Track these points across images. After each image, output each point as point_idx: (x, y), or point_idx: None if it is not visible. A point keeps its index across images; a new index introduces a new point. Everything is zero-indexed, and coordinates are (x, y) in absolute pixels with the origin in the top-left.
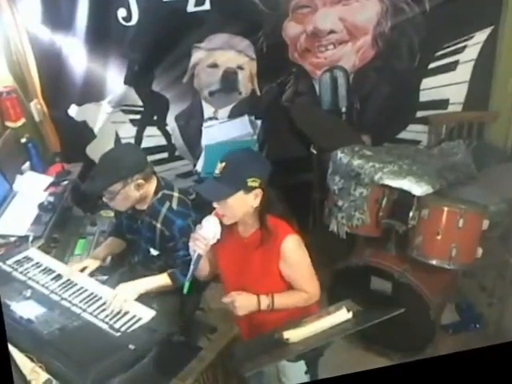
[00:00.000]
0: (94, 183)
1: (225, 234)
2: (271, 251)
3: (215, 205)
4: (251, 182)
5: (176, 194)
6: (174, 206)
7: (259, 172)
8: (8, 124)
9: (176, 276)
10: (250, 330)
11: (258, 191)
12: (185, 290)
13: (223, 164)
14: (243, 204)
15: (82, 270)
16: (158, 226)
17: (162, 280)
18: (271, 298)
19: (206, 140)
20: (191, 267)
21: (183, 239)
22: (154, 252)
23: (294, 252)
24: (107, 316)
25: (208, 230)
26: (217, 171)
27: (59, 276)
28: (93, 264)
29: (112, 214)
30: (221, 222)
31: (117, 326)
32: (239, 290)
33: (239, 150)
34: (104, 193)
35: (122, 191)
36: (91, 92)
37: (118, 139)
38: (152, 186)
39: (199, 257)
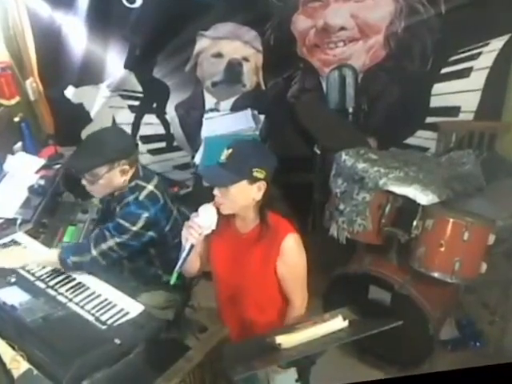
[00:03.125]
0: (79, 162)
1: (221, 229)
2: (271, 248)
3: (216, 192)
4: (256, 173)
5: (150, 187)
6: (141, 197)
7: (265, 164)
8: (1, 101)
9: (64, 253)
10: (239, 332)
11: (262, 184)
12: (172, 281)
13: (230, 151)
14: (245, 194)
15: None
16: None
17: (51, 256)
18: None
19: (206, 132)
20: (182, 257)
21: (121, 221)
22: None
23: (293, 251)
24: (94, 307)
25: (204, 219)
26: (222, 157)
27: None
28: None
29: None
30: (218, 213)
31: (103, 318)
32: (232, 288)
33: (247, 140)
34: (86, 175)
35: (105, 175)
36: (89, 74)
37: (114, 125)
38: (133, 172)
39: (191, 247)
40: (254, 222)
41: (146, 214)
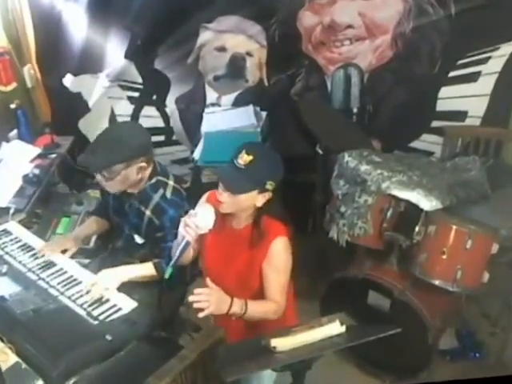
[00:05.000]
0: (95, 159)
1: (217, 224)
2: (259, 249)
3: (222, 192)
4: (269, 185)
5: (171, 183)
6: (168, 194)
7: (277, 177)
8: None
9: (161, 266)
10: (226, 327)
11: (268, 194)
12: (166, 275)
13: (250, 158)
14: (250, 201)
15: (63, 253)
16: (148, 213)
17: (147, 269)
18: (245, 302)
19: (206, 127)
20: (177, 253)
21: (173, 230)
22: (138, 240)
23: (280, 254)
24: (86, 302)
25: (202, 219)
26: (241, 162)
27: (38, 254)
28: (73, 246)
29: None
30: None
31: (95, 313)
32: (219, 280)
33: (265, 148)
34: (103, 172)
35: (122, 172)
36: (89, 62)
37: (113, 116)
38: (150, 170)
39: (187, 244)
40: (247, 220)
41: (184, 210)
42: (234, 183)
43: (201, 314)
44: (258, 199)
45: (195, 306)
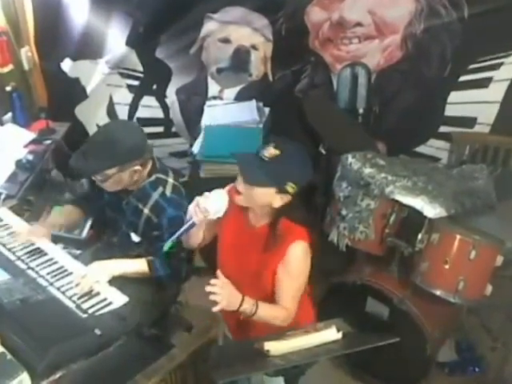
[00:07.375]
0: (87, 163)
1: (235, 215)
2: (275, 252)
3: (240, 180)
4: (289, 187)
5: (171, 180)
6: (168, 192)
7: (301, 180)
8: None
9: (155, 265)
10: (236, 326)
11: (287, 197)
12: (165, 248)
13: (277, 152)
14: (266, 199)
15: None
16: (146, 211)
17: (140, 266)
18: (255, 303)
19: (206, 120)
20: (180, 230)
21: (170, 230)
22: (135, 238)
23: (297, 259)
24: (75, 294)
25: (213, 204)
26: (266, 154)
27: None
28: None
29: None
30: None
31: (84, 306)
32: (232, 276)
33: (296, 147)
34: (95, 175)
35: (116, 176)
36: (89, 47)
37: (111, 104)
38: (147, 169)
39: (192, 225)
40: (264, 219)
41: (184, 210)
42: (251, 173)
43: (215, 309)
44: (276, 199)
45: (211, 297)
